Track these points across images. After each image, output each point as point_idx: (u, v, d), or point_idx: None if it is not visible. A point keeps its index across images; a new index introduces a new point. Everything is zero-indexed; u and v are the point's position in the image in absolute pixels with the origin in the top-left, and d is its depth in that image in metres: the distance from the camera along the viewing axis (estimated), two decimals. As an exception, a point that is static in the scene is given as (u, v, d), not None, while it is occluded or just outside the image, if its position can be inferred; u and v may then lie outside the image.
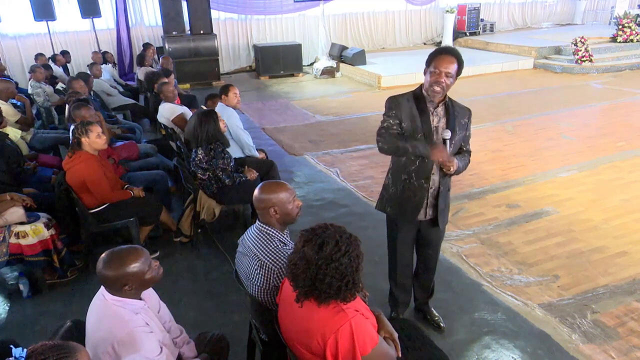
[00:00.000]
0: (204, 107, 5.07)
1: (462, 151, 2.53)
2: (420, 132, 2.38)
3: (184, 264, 3.75)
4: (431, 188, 2.49)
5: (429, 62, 2.33)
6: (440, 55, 2.30)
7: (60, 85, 7.40)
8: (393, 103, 2.45)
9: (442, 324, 2.90)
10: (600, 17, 16.81)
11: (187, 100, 6.44)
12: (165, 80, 5.77)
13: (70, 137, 3.58)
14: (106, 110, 6.61)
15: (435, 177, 2.47)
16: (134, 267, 1.77)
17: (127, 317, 1.76)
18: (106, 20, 10.98)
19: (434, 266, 2.85)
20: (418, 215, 2.55)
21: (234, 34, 12.37)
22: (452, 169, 2.36)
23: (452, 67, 2.27)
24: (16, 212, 3.19)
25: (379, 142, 2.45)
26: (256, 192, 2.15)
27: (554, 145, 6.12)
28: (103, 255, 1.80)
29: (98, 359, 1.70)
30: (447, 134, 2.35)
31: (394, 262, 2.82)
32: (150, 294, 1.99)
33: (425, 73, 2.37)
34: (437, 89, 2.29)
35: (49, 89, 6.87)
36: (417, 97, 2.42)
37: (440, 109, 2.40)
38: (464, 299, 3.20)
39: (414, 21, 14.49)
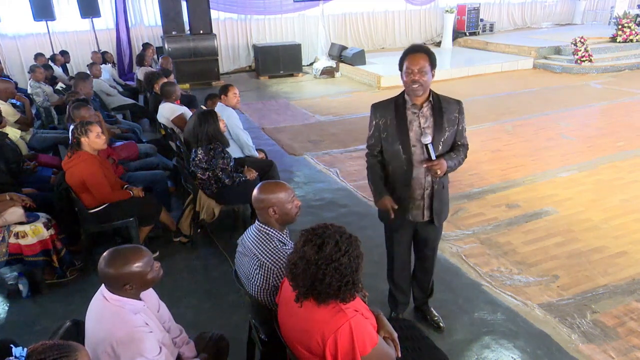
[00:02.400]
0: (204, 107, 5.07)
1: (457, 146, 2.48)
2: (397, 141, 2.40)
3: (184, 264, 3.75)
4: (426, 189, 2.48)
5: (401, 65, 2.34)
6: (409, 54, 2.31)
7: (60, 85, 7.39)
8: (374, 112, 2.51)
9: (441, 324, 2.90)
10: (599, 17, 16.81)
11: (186, 100, 6.43)
12: (166, 80, 5.77)
13: (70, 137, 3.58)
14: (106, 110, 6.61)
15: (429, 179, 2.46)
16: (137, 266, 1.77)
17: (127, 317, 1.76)
18: (106, 20, 10.98)
19: (431, 266, 2.84)
20: (409, 218, 2.55)
21: (234, 34, 12.37)
22: (439, 172, 2.33)
23: (424, 63, 2.27)
24: (16, 212, 3.19)
25: (366, 162, 2.62)
26: (255, 192, 2.14)
27: (554, 145, 6.12)
28: (105, 253, 1.80)
29: (97, 358, 1.70)
30: (427, 139, 2.31)
31: (391, 262, 2.82)
32: (149, 293, 1.99)
33: (401, 77, 2.38)
34: (415, 86, 2.30)
35: (48, 89, 6.86)
36: (399, 103, 2.41)
37: (426, 109, 2.38)
38: (463, 299, 3.20)
39: (413, 21, 14.49)
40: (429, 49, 2.34)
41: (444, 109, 2.38)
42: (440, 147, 2.39)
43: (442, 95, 2.45)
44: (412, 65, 2.27)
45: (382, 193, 2.48)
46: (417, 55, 2.29)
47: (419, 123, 2.38)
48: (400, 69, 2.36)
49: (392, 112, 2.42)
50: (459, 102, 2.45)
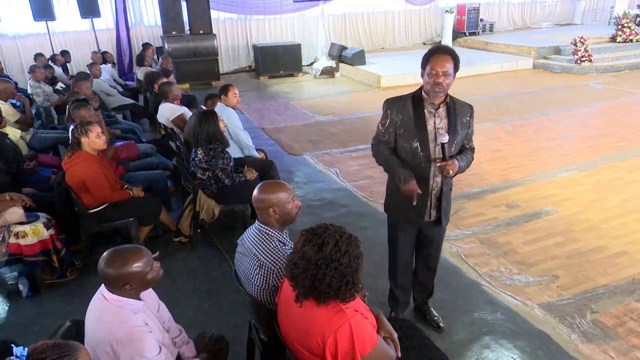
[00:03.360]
0: (204, 107, 5.07)
1: (465, 149, 2.51)
2: (415, 138, 2.38)
3: (184, 264, 3.75)
4: (434, 190, 2.48)
5: (424, 64, 2.31)
6: (434, 55, 2.27)
7: (59, 85, 7.39)
8: (389, 107, 2.45)
9: (441, 324, 2.91)
10: (599, 17, 16.82)
11: (186, 101, 6.43)
12: (165, 80, 5.77)
13: (70, 137, 3.58)
14: (105, 110, 6.61)
15: (437, 179, 2.46)
16: (137, 266, 1.77)
17: (127, 317, 1.76)
18: (106, 20, 10.98)
19: (435, 266, 2.85)
20: (423, 218, 2.55)
21: (234, 34, 12.37)
22: (451, 172, 2.34)
23: (449, 66, 2.24)
24: (16, 212, 3.19)
25: (373, 154, 2.54)
26: (255, 192, 2.15)
27: (554, 145, 6.12)
28: (105, 253, 1.80)
29: (97, 358, 1.70)
30: (445, 138, 2.31)
31: (395, 263, 2.82)
32: (149, 293, 1.99)
33: (422, 75, 2.34)
34: (438, 89, 2.27)
35: (48, 89, 6.87)
36: (416, 100, 2.39)
37: (442, 110, 2.38)
38: (463, 299, 3.20)
39: (413, 21, 14.49)
40: (454, 51, 2.30)
41: (457, 112, 2.39)
42: (452, 149, 2.40)
43: (455, 97, 2.46)
44: (437, 67, 2.24)
45: (410, 176, 2.36)
46: (443, 56, 2.25)
47: (434, 122, 2.37)
48: (423, 67, 2.32)
49: (410, 108, 2.38)
50: (470, 107, 2.48)
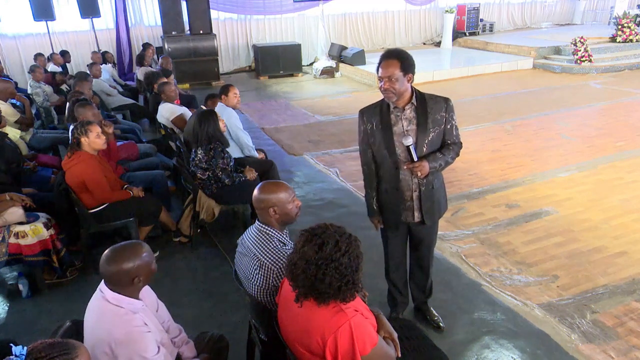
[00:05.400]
0: (204, 107, 5.07)
1: (446, 145, 2.44)
2: (384, 146, 2.40)
3: (184, 264, 3.75)
4: (415, 191, 2.48)
5: (377, 71, 2.32)
6: (381, 62, 2.29)
7: (65, 86, 7.40)
8: (362, 118, 2.49)
9: (441, 324, 2.90)
10: (599, 17, 16.83)
11: (186, 101, 6.44)
12: (165, 80, 5.77)
13: (70, 137, 3.58)
14: (105, 110, 6.61)
15: (415, 180, 2.45)
16: (145, 256, 1.81)
17: (126, 317, 1.76)
18: (105, 20, 10.99)
19: (427, 266, 2.83)
20: (402, 219, 2.56)
21: (234, 34, 12.38)
22: (419, 174, 2.33)
23: (393, 70, 2.23)
24: (15, 212, 3.19)
25: (362, 166, 2.60)
26: (255, 192, 2.15)
27: (554, 145, 6.12)
28: (107, 251, 1.80)
29: (96, 358, 1.70)
30: (409, 141, 2.29)
31: (387, 260, 2.84)
32: (148, 293, 1.99)
33: None
34: (387, 95, 2.30)
35: (48, 89, 6.87)
36: (385, 106, 2.40)
37: (409, 111, 2.35)
38: (463, 299, 3.20)
39: (413, 21, 14.50)
40: (402, 54, 2.28)
41: (429, 109, 2.35)
42: (425, 149, 2.37)
43: (429, 94, 2.41)
44: (381, 73, 2.27)
45: (372, 212, 2.63)
46: (387, 62, 2.25)
47: (402, 126, 2.36)
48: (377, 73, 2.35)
49: (378, 116, 2.41)
50: (446, 100, 2.40)
